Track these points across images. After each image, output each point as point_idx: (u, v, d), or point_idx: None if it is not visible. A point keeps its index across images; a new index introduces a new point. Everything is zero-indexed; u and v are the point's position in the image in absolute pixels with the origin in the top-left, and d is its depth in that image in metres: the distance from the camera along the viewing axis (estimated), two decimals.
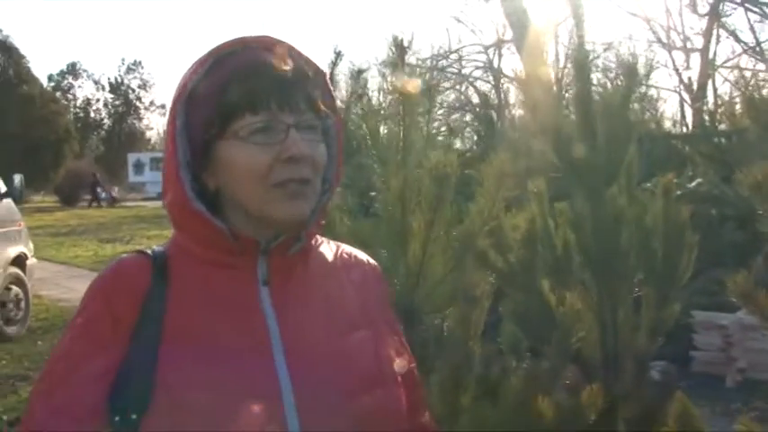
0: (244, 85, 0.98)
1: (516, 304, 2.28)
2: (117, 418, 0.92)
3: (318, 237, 1.13)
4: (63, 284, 10.48)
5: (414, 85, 1.77)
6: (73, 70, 58.08)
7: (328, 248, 1.14)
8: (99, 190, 32.48)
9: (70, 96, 57.30)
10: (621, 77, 2.30)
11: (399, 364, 1.09)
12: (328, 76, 1.08)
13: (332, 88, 1.09)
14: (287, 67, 1.00)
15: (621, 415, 1.97)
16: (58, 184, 33.59)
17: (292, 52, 1.03)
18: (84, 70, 59.92)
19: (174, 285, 1.01)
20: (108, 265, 1.08)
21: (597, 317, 2.16)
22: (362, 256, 1.18)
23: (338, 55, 3.11)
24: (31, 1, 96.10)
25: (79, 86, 59.87)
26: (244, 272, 1.02)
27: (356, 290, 1.11)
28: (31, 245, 8.21)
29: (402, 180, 1.73)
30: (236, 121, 0.98)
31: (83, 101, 58.47)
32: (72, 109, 54.68)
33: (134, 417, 0.91)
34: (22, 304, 7.52)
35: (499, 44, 27.23)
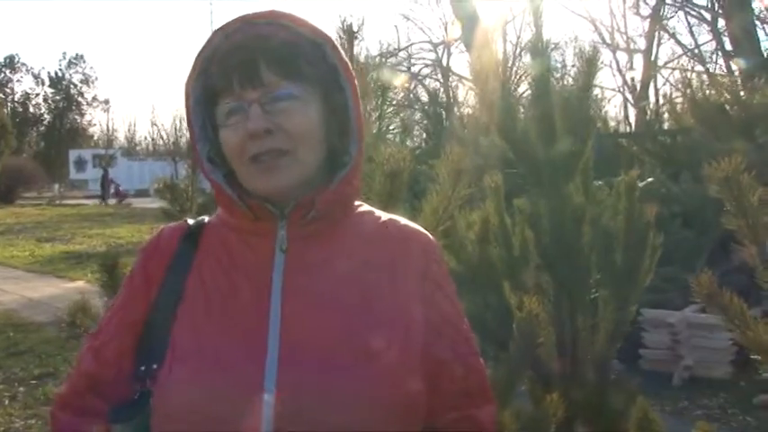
0: (217, 69, 1.03)
1: (473, 307, 2.18)
2: (142, 368, 1.03)
3: (367, 207, 1.13)
4: None
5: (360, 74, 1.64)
6: (11, 63, 56.18)
7: (372, 219, 1.12)
8: (111, 186, 31.93)
9: (8, 90, 55.48)
10: (579, 70, 2.22)
11: (422, 341, 1.02)
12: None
13: (342, 55, 1.07)
14: (256, 42, 1.02)
15: (583, 423, 1.88)
16: None
17: (293, 25, 1.05)
18: (23, 64, 57.99)
19: (202, 250, 1.09)
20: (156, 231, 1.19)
21: (555, 320, 2.07)
22: (412, 229, 1.13)
23: None
24: None
25: (18, 80, 57.93)
26: (264, 239, 1.05)
27: (389, 262, 1.06)
28: None
29: None
30: (219, 105, 1.03)
31: (21, 95, 56.67)
32: (10, 103, 52.91)
33: (154, 367, 1.01)
34: None
35: (448, 42, 27.36)
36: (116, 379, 1.06)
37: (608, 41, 26.76)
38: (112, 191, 32.42)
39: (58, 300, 8.32)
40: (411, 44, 28.31)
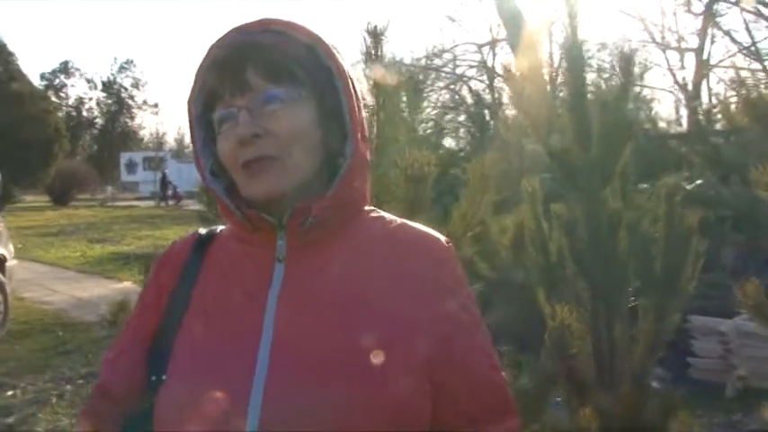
0: (208, 79, 1.03)
1: (505, 314, 2.13)
2: (153, 378, 1.02)
3: (378, 213, 1.10)
4: (47, 286, 10.28)
5: (389, 77, 1.60)
6: (65, 69, 57.72)
7: (381, 225, 1.08)
8: (169, 188, 32.66)
9: (62, 95, 57.01)
10: (618, 71, 2.15)
11: (429, 354, 0.98)
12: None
13: (335, 55, 1.04)
14: (242, 49, 1.01)
15: None
16: (49, 183, 33.36)
17: (286, 30, 1.03)
18: (77, 69, 59.59)
19: (209, 261, 1.10)
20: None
21: (592, 329, 2.00)
22: (424, 235, 1.07)
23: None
24: (24, 1, 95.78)
25: (72, 85, 59.53)
26: (263, 249, 1.03)
27: (395, 270, 1.01)
28: (12, 246, 8.01)
29: (376, 180, 1.56)
30: (215, 115, 1.03)
31: (75, 99, 58.19)
32: (64, 107, 54.37)
33: (164, 378, 1.01)
34: (1, 307, 7.33)
35: (493, 43, 27.16)
36: (130, 390, 1.06)
37: (658, 40, 26.18)
38: (170, 192, 32.97)
39: (105, 300, 8.46)
40: (456, 45, 28.14)
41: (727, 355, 5.20)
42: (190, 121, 1.08)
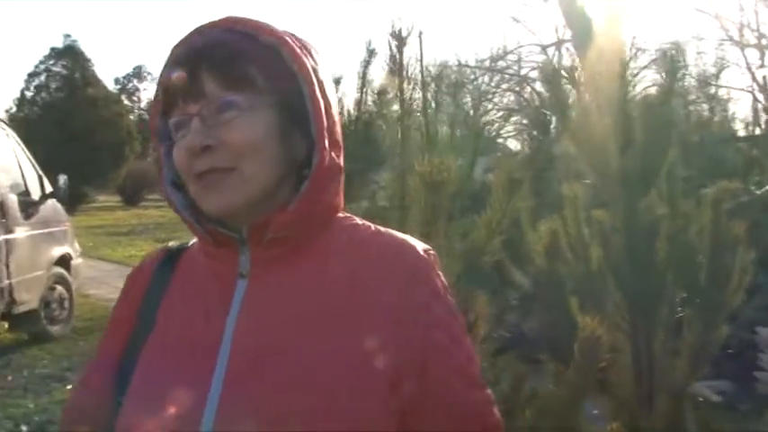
0: (160, 88, 0.98)
1: (542, 323, 2.07)
2: (119, 399, 0.97)
3: (358, 221, 1.03)
4: (112, 284, 10.58)
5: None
6: (138, 73, 59.56)
7: (355, 235, 1.01)
8: None
9: (135, 99, 58.81)
10: (663, 74, 2.06)
11: (395, 375, 0.91)
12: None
13: (299, 55, 0.97)
14: (198, 52, 0.95)
15: None
16: (120, 183, 34.45)
17: (249, 30, 0.97)
18: (149, 73, 61.33)
19: (176, 276, 1.04)
20: None
21: (631, 342, 1.92)
22: (400, 245, 1.00)
23: (371, 53, 2.95)
24: (101, 7, 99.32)
25: (144, 89, 61.32)
26: (226, 264, 0.98)
27: (363, 286, 0.95)
28: (77, 245, 8.29)
29: (400, 187, 1.53)
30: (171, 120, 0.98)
31: (147, 103, 59.86)
32: (136, 111, 56.08)
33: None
34: (66, 304, 7.59)
35: (559, 44, 26.72)
36: (99, 411, 1.01)
37: (735, 38, 25.26)
38: None
39: None
40: (520, 47, 27.80)
41: None
42: (151, 127, 1.02)
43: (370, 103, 2.92)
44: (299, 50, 0.97)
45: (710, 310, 1.95)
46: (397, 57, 1.54)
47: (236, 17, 0.98)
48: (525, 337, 2.12)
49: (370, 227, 1.02)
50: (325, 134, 0.96)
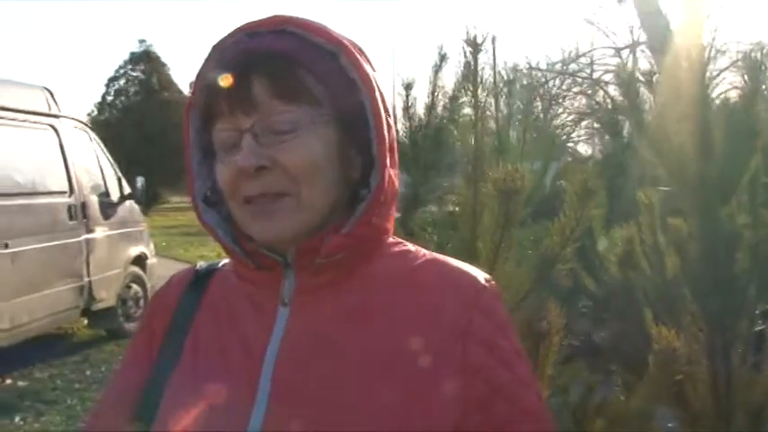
0: (205, 91, 0.88)
1: (614, 334, 2.02)
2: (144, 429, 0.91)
3: (406, 246, 0.94)
4: None
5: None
6: None
7: (406, 261, 0.91)
8: None
9: None
10: (745, 76, 1.99)
11: (453, 418, 0.82)
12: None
13: (361, 64, 0.87)
14: (251, 57, 0.84)
15: None
16: None
17: (302, 32, 0.86)
18: None
19: (206, 300, 0.97)
20: None
21: (708, 356, 1.86)
22: (456, 273, 0.90)
23: (443, 57, 2.95)
24: (177, 12, 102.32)
25: None
26: (267, 290, 0.90)
27: (417, 319, 0.85)
28: (152, 245, 8.56)
29: (473, 194, 1.52)
30: (212, 132, 0.89)
31: None
32: None
33: None
34: (142, 302, 7.84)
35: (633, 46, 26.11)
36: None
37: None
38: None
39: None
40: (593, 49, 27.27)
41: None
42: (186, 138, 0.92)
43: (440, 108, 2.92)
44: (359, 57, 0.87)
45: None
46: (472, 63, 1.54)
47: (286, 16, 0.87)
48: (596, 347, 2.08)
49: (424, 253, 0.93)
50: (387, 153, 0.88)
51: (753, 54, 1.94)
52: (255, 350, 0.86)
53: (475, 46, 1.54)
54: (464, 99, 2.74)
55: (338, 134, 0.86)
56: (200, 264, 1.03)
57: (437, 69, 2.83)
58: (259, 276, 0.90)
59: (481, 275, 0.92)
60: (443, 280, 0.89)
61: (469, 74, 1.55)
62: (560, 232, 1.51)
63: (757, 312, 1.98)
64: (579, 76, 26.16)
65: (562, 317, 1.37)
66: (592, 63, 27.30)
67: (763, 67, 2.02)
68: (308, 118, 0.84)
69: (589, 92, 26.42)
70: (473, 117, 1.95)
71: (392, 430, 0.80)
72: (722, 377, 1.83)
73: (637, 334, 1.88)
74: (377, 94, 0.86)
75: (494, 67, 1.72)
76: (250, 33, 0.87)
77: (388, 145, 0.88)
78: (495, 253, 1.42)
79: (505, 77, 2.59)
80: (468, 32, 1.52)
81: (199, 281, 0.99)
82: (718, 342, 1.81)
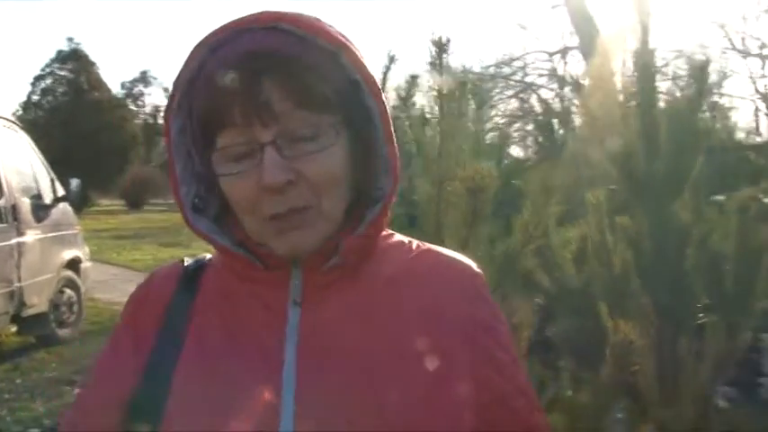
0: (207, 96, 0.80)
1: (567, 328, 2.09)
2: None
3: (398, 238, 0.93)
4: (119, 288, 10.59)
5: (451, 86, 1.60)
6: (144, 78, 59.68)
7: (403, 254, 0.91)
8: None
9: (140, 103, 58.91)
10: (691, 80, 2.09)
11: (472, 401, 0.84)
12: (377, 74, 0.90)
13: (364, 63, 0.83)
14: (261, 60, 0.78)
15: None
16: (124, 188, 34.59)
17: (300, 30, 0.81)
18: (155, 78, 61.49)
19: (201, 299, 0.90)
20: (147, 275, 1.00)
21: (656, 346, 1.95)
22: (453, 262, 0.92)
23: (392, 59, 2.99)
24: (107, 11, 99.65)
25: (149, 94, 61.41)
26: (275, 289, 0.86)
27: (424, 308, 0.87)
28: (87, 249, 8.32)
29: (437, 192, 1.56)
30: (213, 142, 0.81)
31: (152, 108, 60.00)
32: (141, 116, 56.23)
33: None
34: (75, 307, 7.61)
35: (564, 51, 26.76)
36: None
37: (739, 47, 25.31)
38: None
39: None
40: (526, 53, 27.86)
41: None
42: (167, 142, 0.87)
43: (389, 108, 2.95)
44: (360, 56, 0.83)
45: (736, 316, 1.97)
46: (437, 63, 1.57)
47: (279, 12, 0.82)
48: (548, 342, 2.14)
49: (417, 244, 0.94)
50: (397, 154, 0.86)
51: (697, 60, 2.03)
52: (272, 350, 0.83)
53: (440, 46, 1.58)
54: (415, 99, 2.79)
55: (350, 140, 0.83)
56: (187, 260, 0.96)
57: (386, 70, 2.88)
58: (266, 276, 0.87)
59: (473, 264, 0.94)
60: (443, 271, 0.91)
61: (435, 73, 1.58)
62: (523, 229, 1.56)
63: (699, 305, 2.08)
64: (512, 80, 26.62)
65: (531, 310, 1.42)
66: (524, 67, 27.83)
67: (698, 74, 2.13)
68: (327, 127, 0.80)
69: (521, 95, 26.94)
70: (429, 116, 1.99)
71: (414, 411, 0.81)
72: (670, 367, 1.92)
73: (590, 329, 1.96)
74: (382, 94, 0.85)
75: (440, 70, 1.76)
76: (240, 30, 0.82)
77: (397, 149, 0.87)
78: (462, 249, 1.45)
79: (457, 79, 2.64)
80: (433, 33, 1.55)
81: (189, 277, 0.93)
82: (668, 334, 1.90)
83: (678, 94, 2.42)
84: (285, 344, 0.83)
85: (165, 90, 63.16)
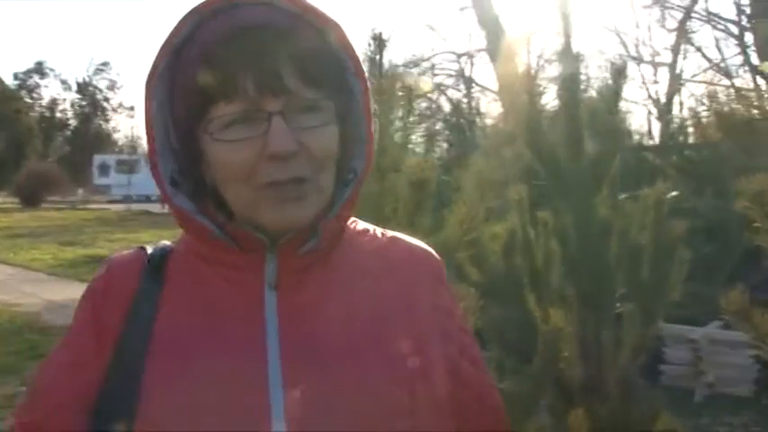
0: (214, 65, 0.79)
1: (496, 319, 2.16)
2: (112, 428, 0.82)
3: (361, 225, 0.94)
4: (17, 289, 10.13)
5: (391, 82, 1.64)
6: (39, 69, 56.97)
7: (370, 241, 0.93)
8: None
9: (36, 96, 56.25)
10: (607, 81, 2.21)
11: (447, 382, 0.88)
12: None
13: (352, 46, 0.86)
14: (272, 34, 0.80)
15: None
16: (19, 184, 32.94)
17: (293, 7, 0.83)
18: (51, 69, 59.05)
19: (170, 287, 0.88)
20: (102, 264, 0.95)
21: (579, 333, 2.05)
22: (419, 250, 0.95)
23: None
24: None
25: (45, 86, 58.91)
26: (249, 273, 0.85)
27: (399, 293, 0.89)
28: None
29: (378, 185, 1.59)
30: (210, 111, 0.80)
31: (49, 101, 57.44)
32: (37, 108, 53.70)
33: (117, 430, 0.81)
34: None
35: (471, 53, 27.36)
36: None
37: (633, 54, 26.59)
38: None
39: None
40: (434, 54, 28.33)
41: (697, 362, 5.33)
42: (147, 112, 0.85)
43: None
44: (347, 36, 0.86)
45: (652, 305, 2.10)
46: (377, 59, 1.60)
47: None
48: (477, 333, 2.21)
49: (382, 231, 0.96)
50: (373, 135, 0.89)
51: (615, 64, 2.15)
52: (253, 334, 0.83)
53: (380, 41, 1.61)
54: None
55: (338, 119, 0.85)
56: (150, 247, 0.93)
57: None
58: (238, 259, 0.86)
59: (434, 252, 0.97)
60: (413, 256, 0.94)
61: (374, 68, 1.61)
62: (460, 222, 1.61)
63: (617, 295, 2.21)
64: (421, 80, 26.96)
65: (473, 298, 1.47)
66: (433, 67, 28.27)
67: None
68: (326, 103, 0.82)
69: (430, 95, 27.34)
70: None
71: (398, 386, 0.83)
72: (593, 353, 2.02)
73: (518, 319, 2.04)
74: (365, 75, 0.87)
75: (380, 66, 1.78)
76: (234, 4, 0.83)
77: (373, 127, 0.89)
78: None
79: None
80: (373, 29, 1.58)
81: (154, 266, 0.91)
82: (591, 321, 2.00)
83: (588, 95, 2.55)
84: (266, 327, 0.83)
85: (64, 83, 61.08)
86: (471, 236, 1.68)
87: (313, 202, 0.82)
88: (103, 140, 57.51)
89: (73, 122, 58.49)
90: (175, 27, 0.84)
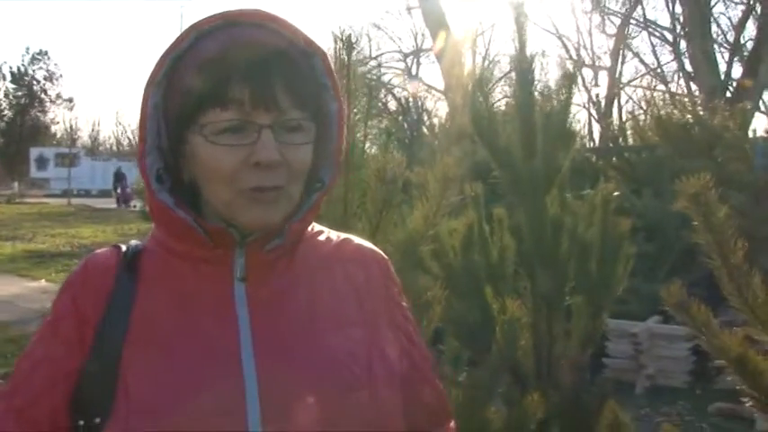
0: (214, 75, 0.87)
1: (454, 312, 2.25)
2: (81, 422, 0.88)
3: (317, 227, 1.03)
4: None
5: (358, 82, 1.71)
6: None
7: (326, 240, 1.03)
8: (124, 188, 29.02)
9: None
10: (559, 85, 2.32)
11: (399, 364, 0.98)
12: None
13: (333, 72, 0.96)
14: (269, 55, 0.88)
15: (558, 424, 1.96)
16: None
17: (284, 32, 0.91)
18: None
19: (144, 281, 0.95)
20: (80, 260, 1.02)
21: (533, 325, 2.15)
22: (368, 249, 1.06)
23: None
24: None
25: None
26: (219, 267, 0.93)
27: (354, 286, 0.99)
28: None
29: (344, 182, 1.66)
30: (204, 115, 0.87)
31: None
32: None
33: (97, 420, 0.87)
34: None
35: (418, 53, 27.61)
36: None
37: (574, 57, 27.23)
38: (119, 191, 29.49)
39: (21, 299, 8.20)
40: (381, 53, 28.51)
41: (638, 356, 5.55)
42: (143, 112, 0.92)
43: None
44: (329, 62, 0.95)
45: (599, 298, 2.22)
46: (346, 59, 1.67)
47: (266, 12, 0.92)
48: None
49: (335, 233, 1.06)
50: (342, 151, 0.98)
51: (570, 68, 2.26)
52: (225, 321, 0.91)
53: (349, 43, 1.67)
54: None
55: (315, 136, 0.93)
56: (125, 245, 1.00)
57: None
58: (209, 254, 0.93)
59: (381, 251, 1.08)
60: (365, 254, 1.05)
61: (343, 69, 1.68)
62: (424, 217, 1.69)
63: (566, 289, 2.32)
64: (368, 78, 27.05)
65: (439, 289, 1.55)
66: (379, 66, 28.40)
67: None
68: (308, 124, 0.91)
69: (376, 94, 27.46)
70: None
71: (364, 372, 0.93)
72: (545, 343, 2.13)
73: (477, 311, 2.13)
74: (341, 99, 0.97)
75: (348, 66, 1.84)
76: (233, 24, 0.91)
77: (343, 144, 0.99)
78: (373, 235, 1.57)
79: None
80: (341, 29, 1.65)
81: (128, 263, 0.97)
82: (543, 313, 2.11)
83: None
84: (237, 315, 0.91)
85: None
86: (434, 230, 1.76)
87: (283, 207, 0.91)
88: (41, 132, 55.76)
89: (8, 113, 56.49)
90: (176, 40, 0.92)
